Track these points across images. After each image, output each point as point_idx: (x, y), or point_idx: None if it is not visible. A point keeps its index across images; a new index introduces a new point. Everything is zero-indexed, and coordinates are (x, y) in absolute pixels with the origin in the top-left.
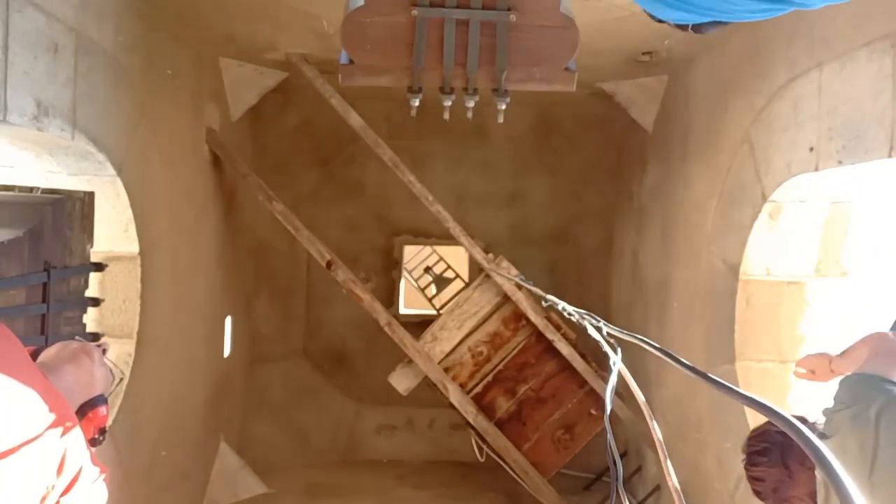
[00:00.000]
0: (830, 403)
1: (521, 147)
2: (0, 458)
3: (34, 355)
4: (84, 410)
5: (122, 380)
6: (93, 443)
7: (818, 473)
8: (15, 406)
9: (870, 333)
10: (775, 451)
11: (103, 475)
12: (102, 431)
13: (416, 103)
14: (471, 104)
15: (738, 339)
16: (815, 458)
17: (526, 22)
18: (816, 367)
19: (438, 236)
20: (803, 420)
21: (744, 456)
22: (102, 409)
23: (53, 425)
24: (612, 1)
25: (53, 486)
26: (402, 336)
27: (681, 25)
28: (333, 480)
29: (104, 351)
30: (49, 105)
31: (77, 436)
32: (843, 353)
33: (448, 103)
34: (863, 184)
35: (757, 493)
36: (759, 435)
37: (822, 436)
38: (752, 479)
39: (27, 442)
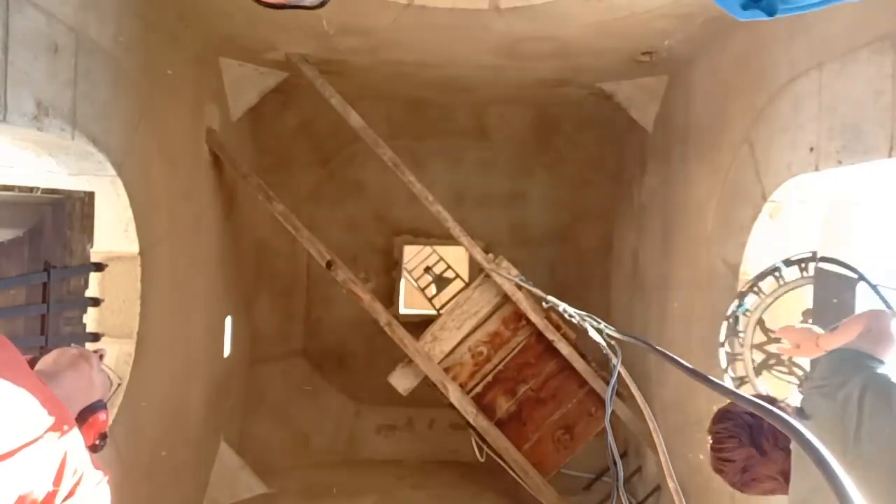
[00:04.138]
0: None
1: (521, 147)
2: (2, 459)
3: (32, 363)
4: (84, 416)
5: (119, 385)
6: (93, 448)
7: (795, 448)
8: (13, 409)
9: (867, 310)
10: (745, 432)
11: (106, 478)
12: (103, 437)
13: None
14: None
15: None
16: (815, 460)
17: None
18: (801, 340)
19: (438, 236)
20: (771, 400)
21: (709, 437)
22: (102, 415)
23: (52, 428)
24: (612, 1)
25: (56, 491)
26: (402, 336)
27: None
28: (333, 480)
29: (101, 357)
30: (49, 105)
31: (76, 439)
32: (836, 328)
33: None
34: (863, 184)
35: (720, 472)
36: (725, 416)
37: (799, 411)
38: (721, 461)
39: (26, 445)
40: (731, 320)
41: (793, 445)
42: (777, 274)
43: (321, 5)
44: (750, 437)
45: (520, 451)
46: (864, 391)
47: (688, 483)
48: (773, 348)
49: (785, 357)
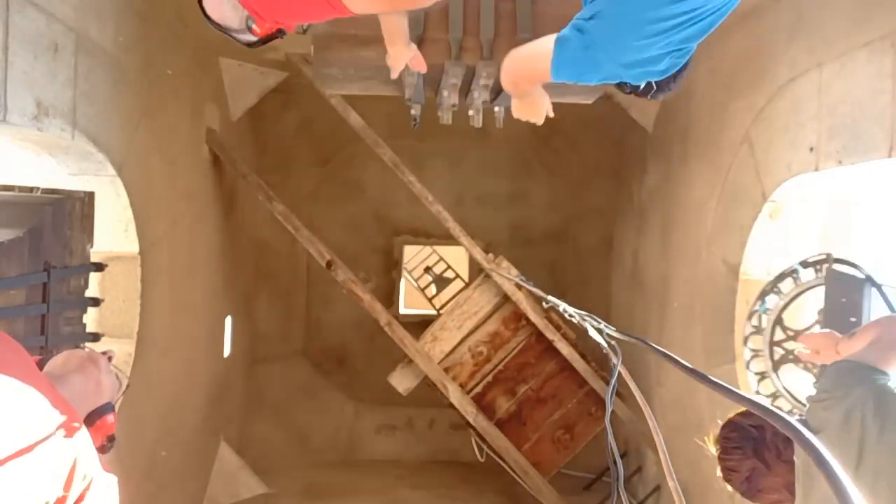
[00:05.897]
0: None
1: (521, 147)
2: (15, 456)
3: (40, 365)
4: (92, 419)
5: (128, 386)
6: (101, 450)
7: (798, 464)
8: (22, 407)
9: (884, 317)
10: (749, 444)
11: (116, 480)
12: (111, 439)
13: (417, 108)
14: (485, 88)
15: (738, 339)
16: (816, 460)
17: None
18: (822, 346)
19: (438, 236)
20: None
21: (717, 447)
22: (110, 417)
23: (63, 426)
24: None
25: (65, 497)
26: (402, 336)
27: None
28: (333, 480)
29: (110, 358)
30: (49, 105)
31: (86, 439)
32: (852, 334)
33: (450, 100)
34: (863, 184)
35: (727, 480)
36: (731, 427)
37: (803, 423)
38: (726, 470)
39: (40, 442)
40: (752, 319)
41: (796, 459)
42: (795, 275)
43: (252, 46)
44: (754, 449)
45: (520, 451)
46: (866, 404)
47: (688, 483)
48: (791, 345)
49: (804, 360)
